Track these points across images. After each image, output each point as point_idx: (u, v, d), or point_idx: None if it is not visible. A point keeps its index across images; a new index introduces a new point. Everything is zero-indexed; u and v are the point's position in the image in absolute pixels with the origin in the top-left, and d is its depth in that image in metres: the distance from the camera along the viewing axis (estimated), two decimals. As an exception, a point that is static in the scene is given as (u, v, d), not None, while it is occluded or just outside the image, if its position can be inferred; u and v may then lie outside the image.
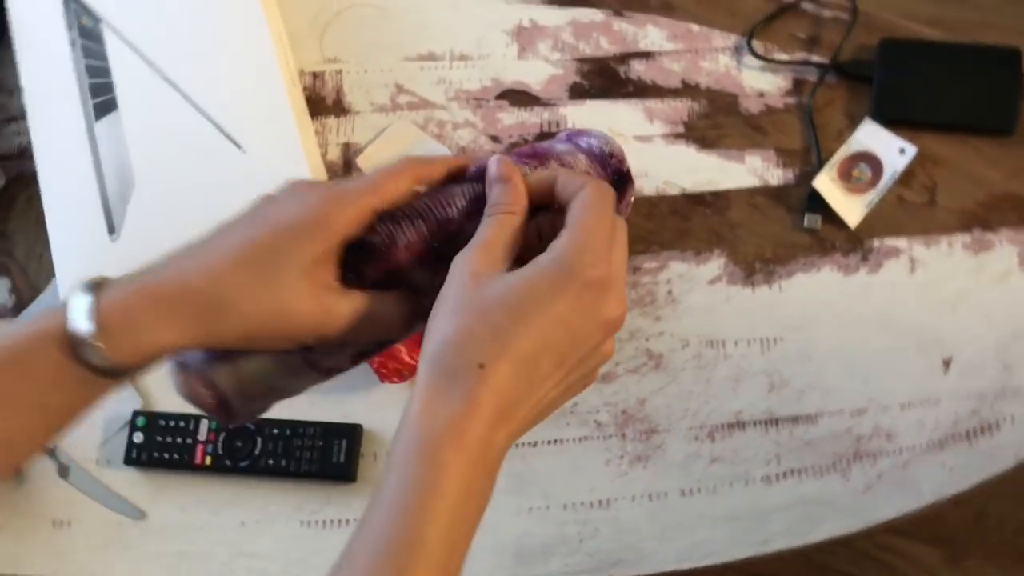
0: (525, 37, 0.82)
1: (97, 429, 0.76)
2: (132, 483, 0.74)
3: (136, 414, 0.74)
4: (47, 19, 0.82)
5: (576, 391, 0.42)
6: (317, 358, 0.45)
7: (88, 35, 0.81)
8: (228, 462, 0.72)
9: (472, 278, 0.40)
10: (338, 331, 0.42)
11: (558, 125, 0.79)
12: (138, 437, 0.74)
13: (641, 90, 0.79)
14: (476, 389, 0.37)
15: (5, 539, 0.74)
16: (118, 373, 0.40)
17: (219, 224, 0.43)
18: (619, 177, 0.49)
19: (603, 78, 0.80)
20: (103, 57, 0.80)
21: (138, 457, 0.73)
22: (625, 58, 0.80)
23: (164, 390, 0.76)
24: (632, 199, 0.50)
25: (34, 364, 0.39)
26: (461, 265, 0.40)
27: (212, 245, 0.42)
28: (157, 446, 0.73)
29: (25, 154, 0.81)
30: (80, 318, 0.39)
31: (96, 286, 0.40)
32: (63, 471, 0.75)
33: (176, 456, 0.73)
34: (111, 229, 0.76)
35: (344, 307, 0.42)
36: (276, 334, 0.42)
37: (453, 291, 0.40)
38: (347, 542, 0.38)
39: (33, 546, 0.74)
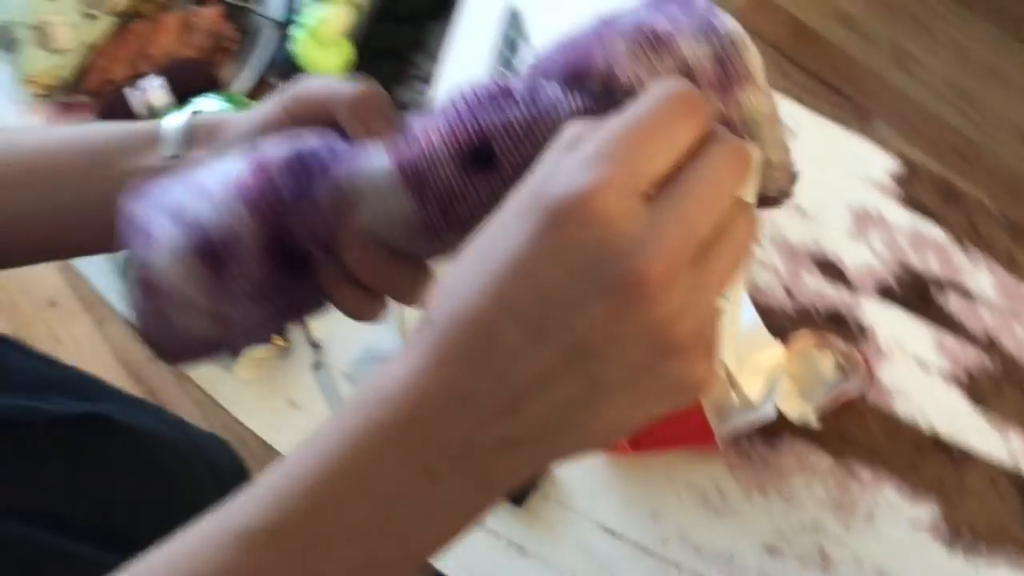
0: (864, 221, 0.85)
1: (358, 348, 0.89)
2: (358, 405, 0.87)
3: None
4: (488, 17, 0.96)
5: (611, 375, 0.28)
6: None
7: (510, 47, 0.94)
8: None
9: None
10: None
11: (850, 310, 0.82)
12: (381, 374, 0.86)
13: (945, 322, 0.80)
14: (420, 356, 0.28)
15: (248, 392, 0.89)
16: None
17: None
18: (709, 27, 0.34)
19: (915, 293, 0.82)
20: (511, 71, 0.92)
21: (373, 389, 0.86)
22: (945, 286, 0.81)
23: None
24: (753, 73, 0.34)
25: (119, 160, 0.43)
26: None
27: None
28: (391, 389, 0.85)
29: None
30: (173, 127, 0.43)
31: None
32: (317, 366, 0.89)
33: (400, 405, 0.84)
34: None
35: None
36: None
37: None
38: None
39: (265, 410, 0.88)
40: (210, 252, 0.36)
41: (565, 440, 0.29)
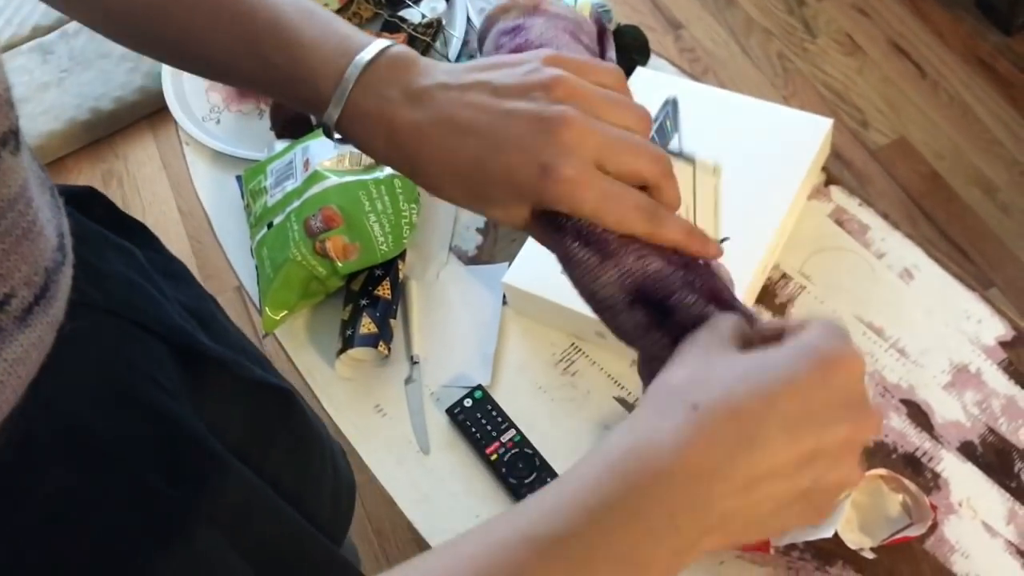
0: (963, 378, 0.86)
1: (450, 374, 0.94)
2: (439, 426, 0.91)
3: (479, 387, 0.91)
4: (649, 102, 1.01)
5: (819, 485, 0.37)
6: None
7: (661, 132, 0.99)
8: (504, 470, 0.86)
9: (718, 342, 0.41)
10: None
11: (929, 458, 0.83)
12: (468, 402, 0.90)
13: (1022, 495, 0.81)
14: (685, 427, 0.37)
15: (342, 388, 0.95)
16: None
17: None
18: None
19: (998, 459, 0.82)
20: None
21: (456, 414, 0.90)
22: (1030, 459, 0.82)
23: (507, 396, 0.92)
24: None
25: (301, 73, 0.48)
26: (713, 331, 0.42)
27: (450, 142, 0.46)
28: (473, 418, 0.90)
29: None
30: (342, 93, 0.47)
31: (372, 65, 0.47)
32: (408, 380, 0.94)
33: (477, 436, 0.89)
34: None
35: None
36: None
37: (697, 347, 0.41)
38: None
39: (353, 409, 0.94)
40: None
41: (754, 529, 0.38)
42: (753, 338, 0.42)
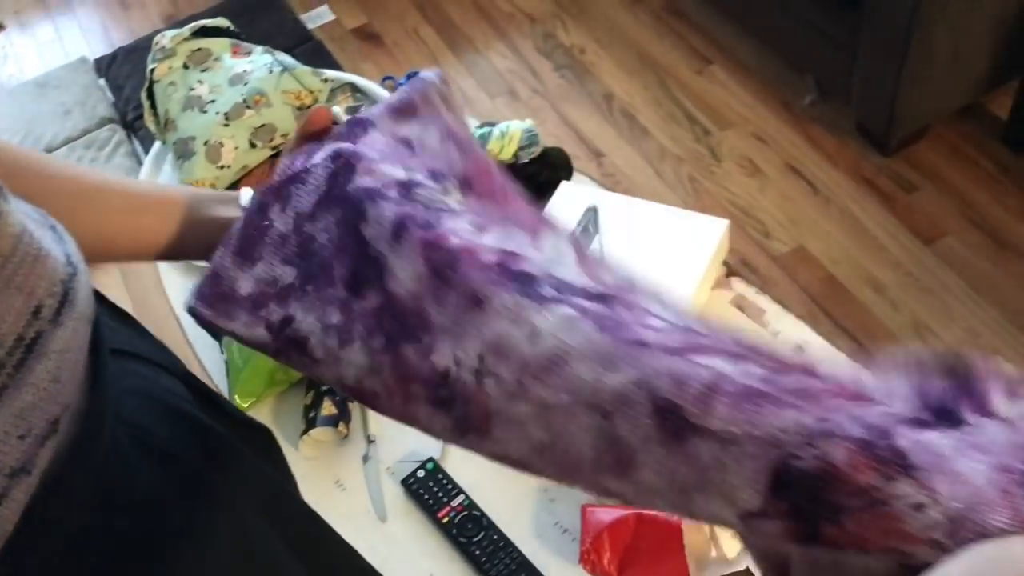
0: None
1: (404, 449, 1.04)
2: (394, 496, 1.01)
3: (431, 460, 1.02)
4: (573, 208, 1.17)
5: None
6: None
7: (585, 235, 1.14)
8: (455, 531, 0.96)
9: None
10: None
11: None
12: (420, 473, 1.01)
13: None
14: None
15: (305, 467, 1.04)
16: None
17: None
18: None
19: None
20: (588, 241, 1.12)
21: (410, 485, 1.00)
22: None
23: (456, 466, 1.02)
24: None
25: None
26: None
27: None
28: (426, 488, 0.99)
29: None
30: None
31: None
32: (366, 457, 1.04)
33: (430, 502, 0.98)
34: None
35: None
36: None
37: None
38: None
39: (315, 484, 1.03)
40: None
41: None
42: None
